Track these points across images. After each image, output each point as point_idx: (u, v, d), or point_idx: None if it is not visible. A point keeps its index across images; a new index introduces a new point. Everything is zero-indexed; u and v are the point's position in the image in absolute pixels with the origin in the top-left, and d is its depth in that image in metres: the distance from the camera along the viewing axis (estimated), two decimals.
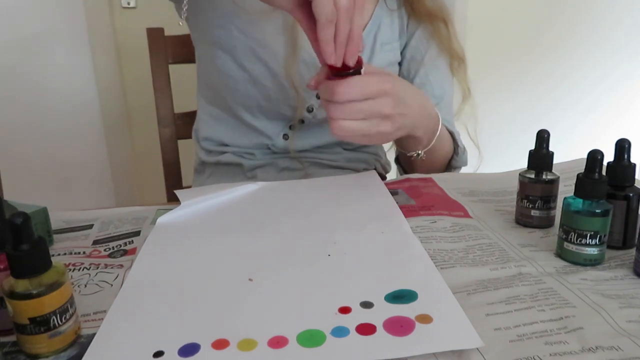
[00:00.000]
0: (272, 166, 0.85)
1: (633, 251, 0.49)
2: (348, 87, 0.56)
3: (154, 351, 0.37)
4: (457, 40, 0.86)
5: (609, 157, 0.51)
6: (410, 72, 0.89)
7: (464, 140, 0.88)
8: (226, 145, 0.87)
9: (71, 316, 0.39)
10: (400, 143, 0.75)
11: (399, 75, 0.88)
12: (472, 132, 0.91)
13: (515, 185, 0.59)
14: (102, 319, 0.42)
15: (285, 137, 0.83)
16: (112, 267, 0.51)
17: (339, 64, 0.55)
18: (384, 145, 0.98)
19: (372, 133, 0.59)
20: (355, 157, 0.89)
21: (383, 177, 0.93)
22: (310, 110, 0.81)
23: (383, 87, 0.58)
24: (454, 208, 0.63)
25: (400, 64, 0.89)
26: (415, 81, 0.88)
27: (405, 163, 0.85)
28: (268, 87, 0.78)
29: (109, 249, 0.55)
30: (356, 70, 0.56)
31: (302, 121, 0.82)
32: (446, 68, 0.89)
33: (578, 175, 0.49)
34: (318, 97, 0.81)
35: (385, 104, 0.58)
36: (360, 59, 0.57)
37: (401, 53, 0.88)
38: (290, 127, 0.83)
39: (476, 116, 0.88)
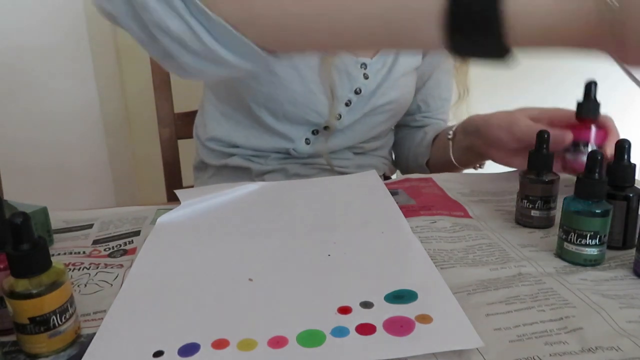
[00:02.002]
0: (281, 172, 0.83)
1: (633, 251, 0.49)
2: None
3: (154, 351, 0.37)
4: None
5: None
6: (424, 75, 0.89)
7: None
8: (236, 146, 0.83)
9: (71, 316, 0.39)
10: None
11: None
12: None
13: (515, 185, 0.59)
14: (102, 318, 0.42)
15: (307, 141, 0.81)
16: (112, 267, 0.51)
17: None
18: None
19: None
20: (366, 162, 0.87)
21: (388, 177, 0.92)
22: (338, 117, 0.80)
23: None
24: (454, 208, 0.63)
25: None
26: (428, 83, 0.89)
27: (441, 171, 0.86)
28: (296, 92, 0.76)
29: (109, 248, 0.55)
30: None
31: (327, 127, 0.81)
32: (452, 70, 0.90)
33: (578, 175, 0.49)
34: (347, 105, 0.80)
35: None
36: None
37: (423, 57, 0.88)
38: (312, 132, 0.82)
39: (470, 114, 0.89)
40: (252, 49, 0.35)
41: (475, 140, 0.74)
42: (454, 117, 0.91)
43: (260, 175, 0.83)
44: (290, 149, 0.81)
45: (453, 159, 0.81)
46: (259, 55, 0.36)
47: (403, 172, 1.01)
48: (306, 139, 0.81)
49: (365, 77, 0.79)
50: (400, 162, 0.99)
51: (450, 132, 0.81)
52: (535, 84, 2.06)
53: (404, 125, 0.96)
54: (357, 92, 0.79)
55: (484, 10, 0.25)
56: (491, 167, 0.79)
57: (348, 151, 0.86)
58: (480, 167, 0.82)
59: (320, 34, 0.33)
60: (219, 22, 0.33)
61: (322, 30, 0.33)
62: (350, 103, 0.80)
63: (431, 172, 0.90)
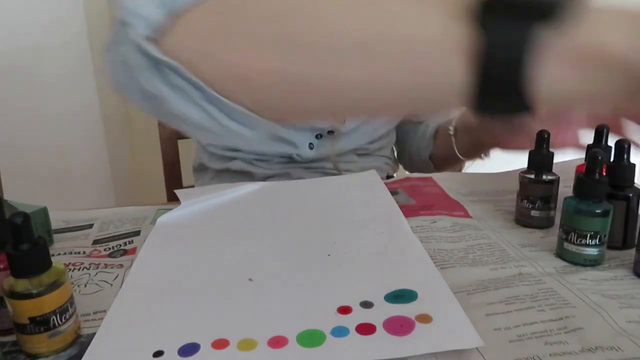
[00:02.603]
0: (285, 177, 0.81)
1: (633, 251, 0.49)
2: None
3: (154, 351, 0.37)
4: None
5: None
6: None
7: None
8: (237, 150, 0.82)
9: (71, 316, 0.39)
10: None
11: None
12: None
13: (515, 185, 0.59)
14: (102, 318, 0.42)
15: (311, 146, 0.80)
16: (112, 267, 0.51)
17: None
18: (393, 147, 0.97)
19: None
20: (370, 164, 0.86)
21: (391, 176, 0.92)
22: (343, 120, 0.79)
23: None
24: (454, 208, 0.63)
25: None
26: None
27: (445, 164, 0.85)
28: None
29: (109, 248, 0.55)
30: None
31: (332, 131, 0.80)
32: None
33: (578, 175, 0.49)
34: None
35: None
36: None
37: None
38: (316, 137, 0.80)
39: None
40: (270, 124, 0.37)
41: (484, 135, 0.73)
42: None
43: (262, 180, 0.81)
44: (294, 154, 0.80)
45: (458, 154, 0.80)
46: (277, 127, 0.38)
47: (406, 168, 1.00)
48: (310, 143, 0.80)
49: None
50: (404, 158, 0.98)
51: (451, 128, 0.80)
52: None
53: (406, 121, 0.95)
54: None
55: (510, 92, 0.27)
56: (491, 166, 0.79)
57: (352, 154, 0.85)
58: (486, 156, 0.80)
59: (336, 109, 0.36)
60: (235, 108, 0.34)
61: (338, 107, 0.35)
62: None
63: (435, 166, 0.89)
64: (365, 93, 0.31)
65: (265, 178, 0.81)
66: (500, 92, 0.28)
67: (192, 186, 0.96)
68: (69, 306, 0.38)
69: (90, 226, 0.62)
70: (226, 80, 0.33)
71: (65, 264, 0.41)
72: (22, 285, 0.36)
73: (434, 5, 0.29)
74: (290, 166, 0.82)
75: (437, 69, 0.28)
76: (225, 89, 0.33)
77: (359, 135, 0.83)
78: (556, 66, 0.27)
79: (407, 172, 0.98)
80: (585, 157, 0.58)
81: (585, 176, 0.48)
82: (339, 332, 0.38)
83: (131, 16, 0.33)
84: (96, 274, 0.50)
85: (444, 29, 0.28)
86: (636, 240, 0.48)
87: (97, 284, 0.48)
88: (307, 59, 0.30)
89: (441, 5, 0.28)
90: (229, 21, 0.32)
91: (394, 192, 0.66)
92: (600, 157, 0.47)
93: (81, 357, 0.37)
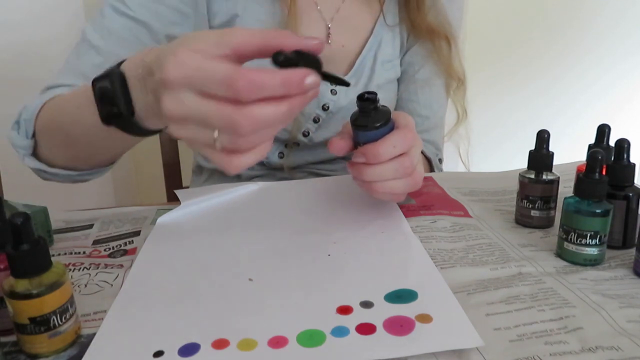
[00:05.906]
0: (269, 177, 0.84)
1: (633, 251, 0.49)
2: (386, 147, 0.50)
3: (154, 351, 0.37)
4: (460, 60, 0.83)
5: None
6: (399, 87, 0.86)
7: (455, 161, 0.87)
8: None
9: (71, 316, 0.39)
10: None
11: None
12: (463, 155, 0.88)
13: (515, 185, 0.59)
14: (102, 319, 0.42)
15: (281, 155, 0.82)
16: (112, 267, 0.51)
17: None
18: None
19: (406, 189, 0.55)
20: None
21: None
22: (306, 134, 0.80)
23: (411, 141, 0.52)
24: (454, 207, 0.63)
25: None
26: (402, 96, 0.85)
27: None
28: None
29: (109, 248, 0.55)
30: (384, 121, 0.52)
31: (297, 143, 0.81)
32: (441, 89, 0.85)
33: (578, 175, 0.49)
34: (315, 121, 0.79)
35: (413, 156, 0.53)
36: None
37: None
38: (286, 146, 0.81)
39: (469, 138, 0.85)
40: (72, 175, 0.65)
41: None
42: (450, 140, 0.88)
43: (249, 179, 0.84)
44: (264, 161, 0.82)
45: None
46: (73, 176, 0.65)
47: None
48: (279, 152, 0.82)
49: (333, 92, 0.77)
50: None
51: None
52: (532, 84, 2.06)
53: None
54: (325, 108, 0.78)
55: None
56: (491, 167, 0.79)
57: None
58: None
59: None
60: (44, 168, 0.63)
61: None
62: (319, 119, 0.79)
63: None
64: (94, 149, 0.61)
65: (251, 177, 0.84)
66: (113, 116, 0.47)
67: (190, 187, 0.96)
68: (69, 306, 0.38)
69: (90, 226, 0.62)
70: (61, 160, 0.63)
71: (65, 264, 0.41)
72: (22, 285, 0.36)
73: (82, 94, 0.54)
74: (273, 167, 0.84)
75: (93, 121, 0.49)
76: (63, 164, 0.63)
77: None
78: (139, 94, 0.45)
79: None
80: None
81: (585, 176, 0.48)
82: (339, 332, 0.38)
83: (15, 147, 0.64)
84: (96, 274, 0.50)
85: (86, 103, 0.50)
86: (636, 239, 0.48)
87: (97, 284, 0.48)
88: (74, 147, 0.61)
89: (82, 91, 0.53)
90: (52, 139, 0.62)
91: None
92: (600, 157, 0.47)
93: (81, 357, 0.37)
